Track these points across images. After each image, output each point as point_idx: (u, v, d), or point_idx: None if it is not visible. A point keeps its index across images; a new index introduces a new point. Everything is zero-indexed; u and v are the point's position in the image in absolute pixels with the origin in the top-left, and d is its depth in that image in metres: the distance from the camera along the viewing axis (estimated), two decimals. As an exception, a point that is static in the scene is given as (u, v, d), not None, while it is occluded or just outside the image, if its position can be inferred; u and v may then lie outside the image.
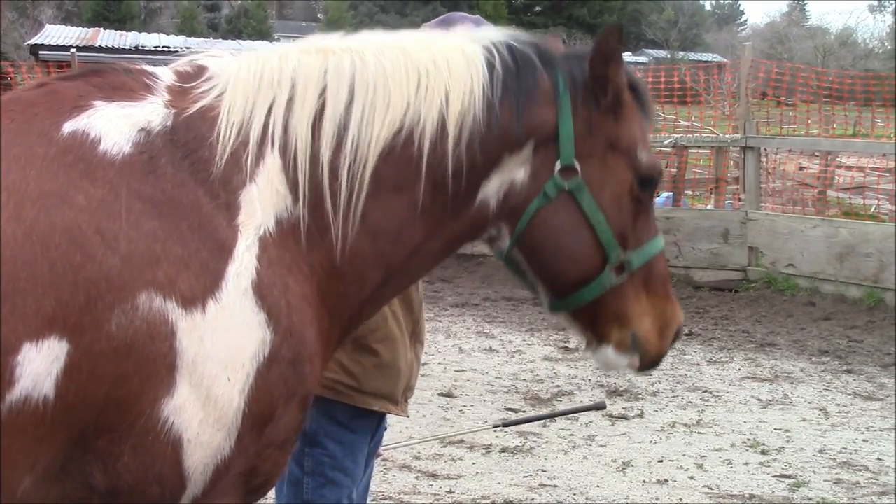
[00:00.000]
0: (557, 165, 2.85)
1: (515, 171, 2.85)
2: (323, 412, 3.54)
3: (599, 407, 6.41)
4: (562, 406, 8.74)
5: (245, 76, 2.69)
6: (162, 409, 2.39)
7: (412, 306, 3.71)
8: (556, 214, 2.88)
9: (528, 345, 11.17)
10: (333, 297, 2.73)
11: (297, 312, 2.58)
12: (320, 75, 2.70)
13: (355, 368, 3.59)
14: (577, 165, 2.86)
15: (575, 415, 8.43)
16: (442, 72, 2.76)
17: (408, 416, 4.01)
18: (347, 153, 2.66)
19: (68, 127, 2.45)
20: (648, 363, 3.12)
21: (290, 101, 2.67)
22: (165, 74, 2.71)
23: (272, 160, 2.62)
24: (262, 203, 2.58)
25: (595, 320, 3.04)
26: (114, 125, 2.48)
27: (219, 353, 2.44)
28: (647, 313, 3.04)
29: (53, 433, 2.31)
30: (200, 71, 2.73)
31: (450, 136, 2.73)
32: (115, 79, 2.63)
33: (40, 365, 2.25)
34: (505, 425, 6.20)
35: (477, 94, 2.76)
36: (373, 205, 2.71)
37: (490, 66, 2.80)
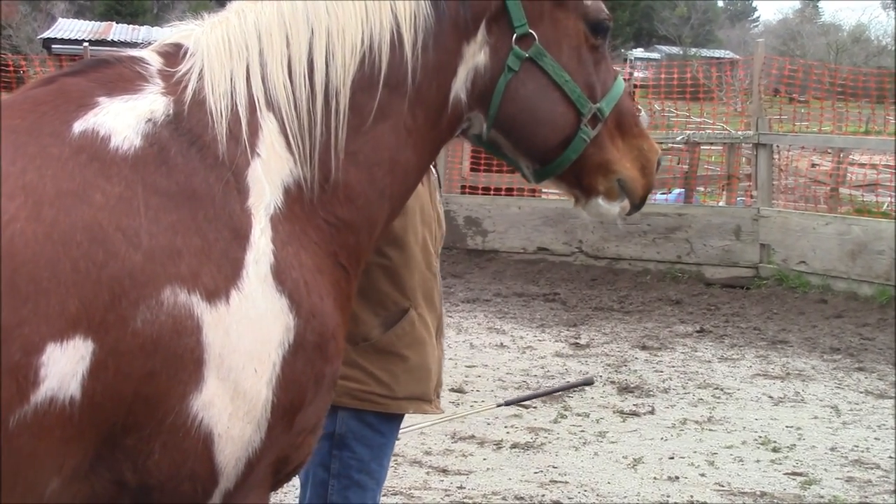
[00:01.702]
0: (513, 37, 2.88)
1: (476, 57, 2.89)
2: (353, 415, 3.52)
3: (588, 383, 6.46)
4: (573, 402, 8.75)
5: (214, 47, 2.67)
6: (191, 404, 2.37)
7: (434, 304, 3.69)
8: (524, 85, 2.92)
9: (539, 341, 11.17)
10: (347, 251, 2.74)
11: (315, 289, 2.57)
12: (280, 21, 2.70)
13: (386, 377, 3.56)
14: (532, 32, 2.90)
15: (589, 402, 8.43)
16: None
17: (443, 412, 3.98)
18: (319, 90, 2.67)
19: (78, 126, 2.43)
20: (638, 203, 3.18)
21: (263, 59, 2.67)
22: (153, 58, 2.69)
23: (268, 125, 2.62)
24: (269, 175, 2.58)
25: (580, 176, 3.09)
26: (121, 120, 2.47)
27: (245, 344, 2.43)
28: (626, 155, 3.11)
29: (81, 433, 2.29)
30: (178, 50, 2.71)
31: (407, 44, 2.75)
32: (112, 71, 2.61)
33: (65, 365, 2.23)
34: (507, 403, 6.24)
35: None
36: (362, 140, 2.73)
37: None
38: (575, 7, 2.99)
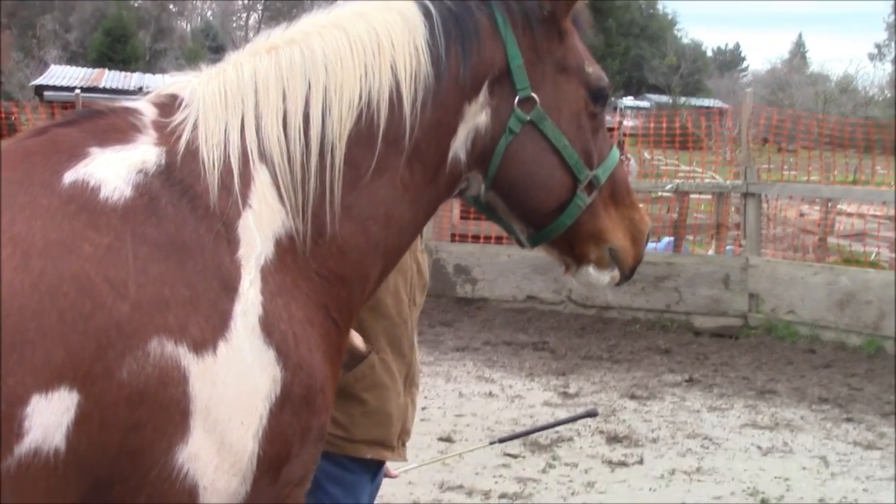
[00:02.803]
0: (516, 99, 2.89)
1: (477, 118, 2.89)
2: (322, 454, 3.53)
3: (592, 414, 6.39)
4: (561, 451, 8.72)
5: (210, 98, 2.69)
6: (176, 456, 2.37)
7: (402, 350, 3.70)
8: (523, 148, 2.93)
9: (528, 390, 11.14)
10: (338, 305, 2.73)
11: (304, 342, 2.57)
12: (277, 75, 2.71)
13: (343, 419, 3.56)
14: (534, 95, 2.92)
15: (577, 452, 8.40)
16: (384, 41, 2.77)
17: (406, 461, 3.99)
18: (314, 144, 2.67)
19: (68, 177, 2.44)
20: (628, 273, 3.21)
21: (258, 111, 2.68)
22: (147, 109, 2.70)
23: (260, 177, 2.62)
24: (260, 227, 2.58)
25: (573, 243, 3.12)
26: (112, 171, 2.48)
27: (231, 396, 2.42)
28: (618, 225, 3.14)
29: (66, 485, 2.28)
30: (174, 100, 2.72)
31: (406, 101, 2.75)
32: (104, 122, 2.62)
33: (50, 416, 2.22)
34: (501, 441, 6.20)
35: (422, 52, 2.79)
36: (357, 194, 2.72)
37: (428, 19, 2.82)
38: (577, 73, 3.01)
